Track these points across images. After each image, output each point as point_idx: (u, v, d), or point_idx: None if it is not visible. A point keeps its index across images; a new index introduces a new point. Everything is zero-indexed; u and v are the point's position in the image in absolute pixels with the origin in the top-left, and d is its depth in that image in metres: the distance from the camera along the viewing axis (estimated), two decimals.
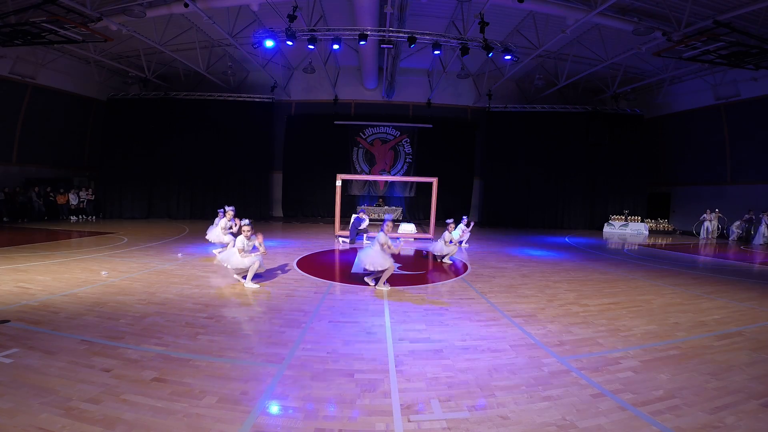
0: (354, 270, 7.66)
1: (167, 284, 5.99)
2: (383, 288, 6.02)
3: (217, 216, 8.72)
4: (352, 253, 9.70)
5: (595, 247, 12.16)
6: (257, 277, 6.28)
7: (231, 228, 7.94)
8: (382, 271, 6.01)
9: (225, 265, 6.15)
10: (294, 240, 11.51)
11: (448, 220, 8.68)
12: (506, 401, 2.88)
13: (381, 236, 5.95)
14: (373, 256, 5.97)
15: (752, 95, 14.76)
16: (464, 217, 10.92)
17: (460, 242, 10.29)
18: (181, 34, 13.88)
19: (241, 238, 5.94)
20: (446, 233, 8.46)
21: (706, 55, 11.39)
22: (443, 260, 8.59)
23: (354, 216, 11.38)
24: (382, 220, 6.38)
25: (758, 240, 14.00)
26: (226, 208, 8.24)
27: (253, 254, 6.02)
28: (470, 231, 10.97)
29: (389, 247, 5.95)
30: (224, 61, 16.85)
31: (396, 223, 14.26)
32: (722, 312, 5.36)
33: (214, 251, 8.47)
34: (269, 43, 11.54)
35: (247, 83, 19.16)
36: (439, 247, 8.56)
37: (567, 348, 3.93)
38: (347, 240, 11.12)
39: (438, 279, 7.13)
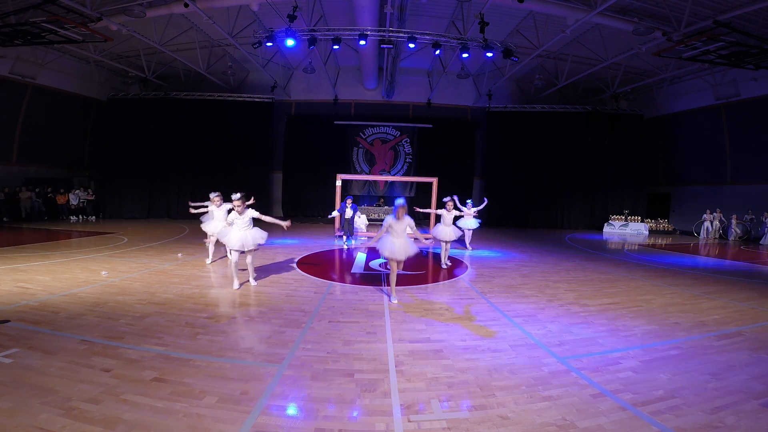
0: (354, 270, 7.66)
1: (167, 284, 5.99)
2: (394, 302, 5.66)
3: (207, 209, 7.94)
4: (352, 253, 9.70)
5: (595, 247, 12.16)
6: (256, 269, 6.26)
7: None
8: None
9: (227, 245, 5.84)
10: (294, 240, 11.51)
11: (445, 199, 8.06)
12: (506, 401, 2.88)
13: (386, 219, 5.60)
14: (397, 244, 5.50)
15: (752, 95, 14.77)
16: (468, 200, 10.71)
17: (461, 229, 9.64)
18: (181, 34, 13.88)
19: (232, 214, 5.74)
20: (445, 212, 7.94)
21: (706, 55, 11.38)
22: (445, 263, 8.16)
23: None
24: (383, 220, 6.00)
25: (766, 240, 13.94)
26: (212, 196, 7.37)
27: (252, 228, 5.78)
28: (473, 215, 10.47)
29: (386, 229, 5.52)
30: (224, 61, 16.85)
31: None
32: (722, 312, 5.36)
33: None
34: (269, 43, 11.56)
35: (247, 83, 19.17)
36: (440, 230, 7.97)
37: (567, 348, 3.92)
38: (341, 234, 11.14)
39: (438, 279, 7.13)
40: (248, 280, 6.13)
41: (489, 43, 11.38)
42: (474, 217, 10.37)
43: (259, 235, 5.91)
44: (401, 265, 5.80)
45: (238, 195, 5.66)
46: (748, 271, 8.81)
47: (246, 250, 5.84)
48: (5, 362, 3.20)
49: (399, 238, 5.50)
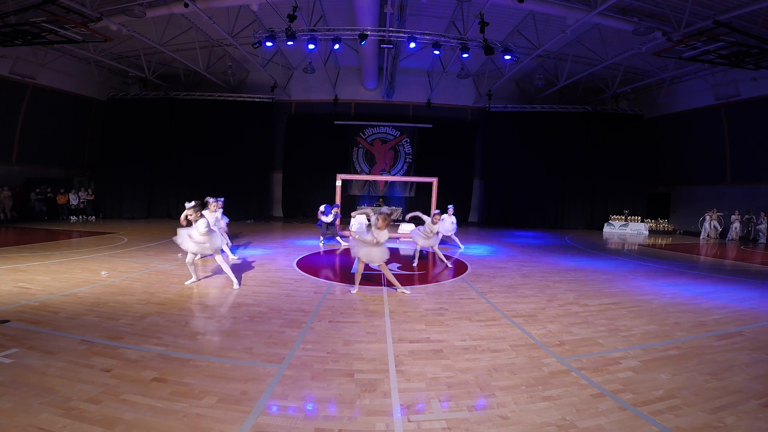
0: (354, 270, 7.65)
1: (167, 284, 5.99)
2: (406, 291, 5.87)
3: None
4: (351, 253, 9.67)
5: (595, 247, 12.16)
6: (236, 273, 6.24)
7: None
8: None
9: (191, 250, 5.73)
10: (294, 240, 11.51)
11: (435, 211, 8.05)
12: (506, 401, 2.88)
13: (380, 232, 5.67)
14: (370, 251, 5.65)
15: (752, 95, 14.77)
16: (450, 206, 10.42)
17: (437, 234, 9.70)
18: (181, 34, 13.88)
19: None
20: (429, 222, 7.84)
21: (706, 55, 11.39)
22: (446, 262, 8.13)
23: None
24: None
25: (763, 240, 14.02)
26: (210, 200, 7.08)
27: (209, 234, 5.71)
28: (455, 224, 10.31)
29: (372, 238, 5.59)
30: (224, 61, 16.86)
31: (396, 222, 14.19)
32: (722, 312, 5.36)
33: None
34: (269, 43, 11.57)
35: (247, 83, 19.18)
36: (423, 238, 7.91)
37: (567, 348, 3.92)
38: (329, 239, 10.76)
39: (438, 279, 7.13)
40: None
41: (489, 43, 11.38)
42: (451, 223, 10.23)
43: (200, 240, 5.72)
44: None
45: (192, 203, 5.56)
46: (748, 271, 8.81)
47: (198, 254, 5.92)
48: (5, 362, 3.20)
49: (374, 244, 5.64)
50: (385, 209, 5.80)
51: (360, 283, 6.02)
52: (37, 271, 6.53)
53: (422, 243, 8.02)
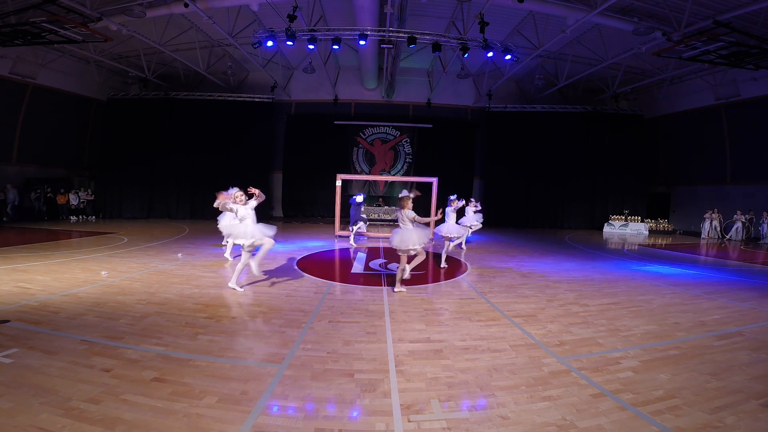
0: (354, 270, 7.66)
1: (167, 284, 5.99)
2: (402, 290, 5.89)
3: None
4: (352, 253, 9.70)
5: (595, 247, 12.16)
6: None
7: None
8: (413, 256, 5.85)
9: (234, 240, 5.90)
10: (294, 240, 11.51)
11: (452, 197, 8.04)
12: (506, 401, 2.88)
13: (408, 213, 5.75)
14: (412, 233, 5.72)
15: (752, 95, 14.77)
16: (472, 199, 10.75)
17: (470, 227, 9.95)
18: (181, 34, 13.88)
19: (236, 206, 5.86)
20: (449, 209, 7.88)
21: (706, 55, 11.38)
22: (443, 265, 7.96)
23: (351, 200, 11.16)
24: (386, 219, 6.19)
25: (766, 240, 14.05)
26: (232, 191, 6.78)
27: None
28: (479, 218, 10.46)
29: (416, 219, 5.74)
30: (224, 61, 16.85)
31: (395, 223, 14.20)
32: (722, 312, 5.36)
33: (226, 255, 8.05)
34: (269, 43, 11.56)
35: (247, 83, 19.17)
36: (447, 228, 7.89)
37: (567, 348, 3.92)
38: (351, 232, 11.06)
39: (438, 279, 7.12)
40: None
41: (489, 43, 11.38)
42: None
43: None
44: (407, 260, 5.90)
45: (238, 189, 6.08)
46: (748, 271, 8.81)
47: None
48: (5, 362, 3.20)
49: (406, 228, 5.77)
50: (404, 192, 5.97)
51: (360, 284, 6.01)
52: (37, 271, 6.53)
53: (451, 232, 7.91)
